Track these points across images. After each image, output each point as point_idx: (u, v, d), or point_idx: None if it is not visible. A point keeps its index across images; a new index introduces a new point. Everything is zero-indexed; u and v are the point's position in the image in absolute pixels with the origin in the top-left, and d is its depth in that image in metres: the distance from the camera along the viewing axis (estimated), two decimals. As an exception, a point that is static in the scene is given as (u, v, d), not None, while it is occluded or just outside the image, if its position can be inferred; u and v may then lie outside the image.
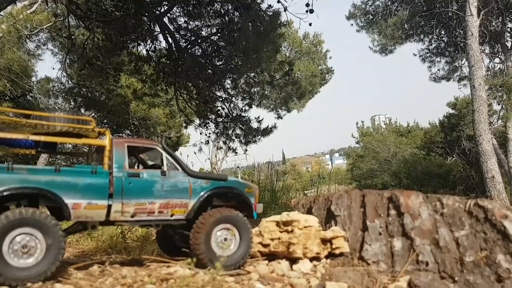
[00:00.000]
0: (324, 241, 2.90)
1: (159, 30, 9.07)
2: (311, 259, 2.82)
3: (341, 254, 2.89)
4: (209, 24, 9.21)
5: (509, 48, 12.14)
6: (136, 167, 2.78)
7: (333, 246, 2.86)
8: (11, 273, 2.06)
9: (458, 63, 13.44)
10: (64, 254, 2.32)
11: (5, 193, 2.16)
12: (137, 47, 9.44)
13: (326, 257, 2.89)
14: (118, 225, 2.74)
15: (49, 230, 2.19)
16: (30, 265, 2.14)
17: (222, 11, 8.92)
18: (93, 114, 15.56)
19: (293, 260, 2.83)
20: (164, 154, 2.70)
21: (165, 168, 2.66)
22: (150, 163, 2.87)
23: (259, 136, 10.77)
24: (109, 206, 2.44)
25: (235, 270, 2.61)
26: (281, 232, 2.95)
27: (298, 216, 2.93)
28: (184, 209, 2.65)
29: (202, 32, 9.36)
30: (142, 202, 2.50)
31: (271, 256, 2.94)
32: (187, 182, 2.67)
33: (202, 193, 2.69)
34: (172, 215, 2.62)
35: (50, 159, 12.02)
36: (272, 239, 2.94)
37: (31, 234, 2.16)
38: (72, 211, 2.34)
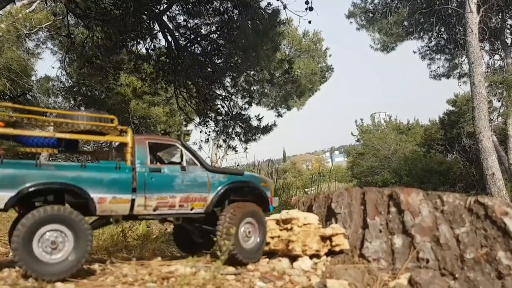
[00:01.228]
0: (324, 238, 2.90)
1: (158, 29, 9.03)
2: (311, 257, 2.82)
3: (341, 252, 2.89)
4: (209, 22, 9.18)
5: (509, 45, 12.09)
6: (155, 163, 2.82)
7: (333, 244, 2.86)
8: (42, 268, 2.14)
9: (458, 60, 13.40)
10: (91, 248, 2.38)
11: (34, 188, 2.23)
12: (136, 46, 9.41)
13: (326, 254, 2.89)
14: (141, 219, 2.78)
15: (76, 226, 2.27)
16: (60, 260, 2.21)
17: (222, 9, 8.88)
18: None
19: (293, 258, 2.83)
20: (183, 150, 2.79)
21: (184, 163, 2.74)
22: (168, 159, 2.96)
23: (259, 134, 10.77)
24: (133, 200, 2.51)
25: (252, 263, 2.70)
26: (280, 230, 2.95)
27: (298, 214, 2.93)
28: (203, 203, 2.73)
29: (202, 30, 9.33)
30: (163, 196, 2.58)
31: (271, 254, 2.94)
32: (206, 176, 2.76)
33: (220, 188, 2.77)
34: (192, 209, 2.71)
35: (50, 158, 12.00)
36: (272, 237, 2.95)
37: (59, 230, 2.23)
38: (98, 206, 2.41)
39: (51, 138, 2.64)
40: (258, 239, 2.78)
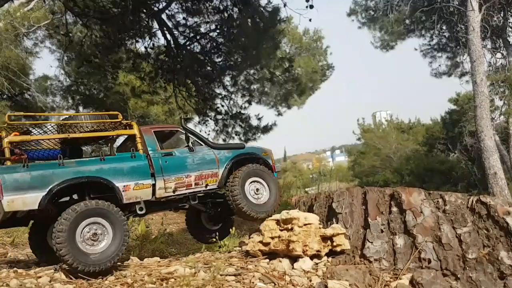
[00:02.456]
0: (325, 238, 2.87)
1: (157, 27, 8.99)
2: (312, 257, 2.80)
3: (342, 252, 2.86)
4: (208, 20, 9.13)
5: (511, 43, 12.01)
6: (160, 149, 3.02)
7: (334, 244, 2.83)
8: (87, 259, 2.33)
9: (460, 59, 13.33)
10: (129, 237, 2.55)
11: (64, 185, 2.43)
12: (135, 44, 9.37)
13: (327, 255, 2.86)
14: (163, 206, 2.97)
15: (113, 218, 2.46)
16: (102, 250, 2.41)
17: (221, 7, 8.83)
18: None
19: (294, 259, 2.80)
20: (187, 134, 3.05)
21: (190, 145, 2.99)
22: (174, 144, 3.21)
23: (259, 134, 10.74)
24: (153, 186, 2.72)
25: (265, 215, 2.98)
26: (281, 230, 2.93)
27: (298, 214, 2.91)
28: (215, 178, 3.01)
29: (201, 29, 9.28)
30: (180, 177, 2.83)
31: (272, 255, 2.92)
32: (213, 153, 3.05)
33: (227, 162, 3.05)
34: (206, 186, 2.97)
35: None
36: (272, 238, 2.92)
37: (98, 223, 2.42)
38: (123, 193, 2.61)
39: (55, 150, 2.82)
40: (269, 195, 3.07)
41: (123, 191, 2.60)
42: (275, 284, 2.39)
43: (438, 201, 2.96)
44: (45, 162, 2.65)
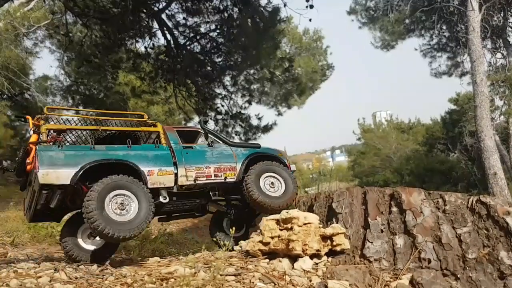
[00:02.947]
0: (325, 238, 2.87)
1: (157, 27, 8.99)
2: (312, 256, 2.80)
3: (342, 251, 2.86)
4: (208, 20, 9.13)
5: (511, 43, 12.00)
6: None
7: (334, 243, 2.83)
8: (117, 227, 2.53)
9: (460, 59, 13.32)
10: (154, 208, 2.72)
11: (94, 164, 2.68)
12: (135, 44, 9.37)
13: (327, 254, 2.86)
14: (187, 193, 3.16)
15: (137, 190, 2.67)
16: (130, 219, 2.61)
17: (221, 7, 8.83)
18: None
19: (294, 258, 2.80)
20: (206, 133, 3.31)
21: (208, 140, 3.27)
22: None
23: (259, 133, 10.74)
24: (176, 174, 2.97)
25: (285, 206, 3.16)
26: (281, 230, 2.93)
27: (298, 213, 2.91)
28: (233, 172, 3.22)
29: (201, 29, 9.28)
30: (200, 167, 3.08)
31: (272, 255, 2.92)
32: (230, 150, 3.32)
33: (244, 158, 3.29)
34: (225, 178, 3.18)
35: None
36: (272, 237, 2.92)
37: (124, 195, 2.64)
38: (148, 178, 2.83)
39: None
40: (285, 188, 3.25)
41: (148, 175, 2.83)
42: (275, 284, 2.39)
43: (438, 201, 2.96)
44: (78, 146, 2.91)
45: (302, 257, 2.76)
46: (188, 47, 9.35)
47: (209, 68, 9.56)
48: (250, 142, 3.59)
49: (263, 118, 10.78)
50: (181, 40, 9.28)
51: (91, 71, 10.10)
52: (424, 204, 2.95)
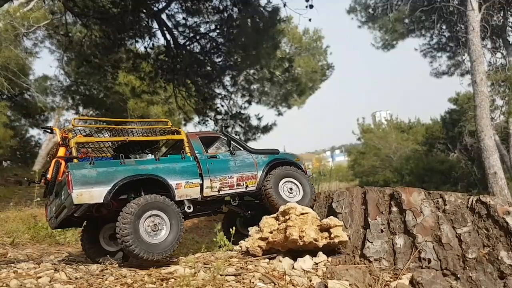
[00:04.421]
0: (322, 230, 2.87)
1: (157, 27, 8.99)
2: (309, 250, 2.78)
3: (340, 243, 2.85)
4: (208, 20, 9.13)
5: (510, 43, 12.00)
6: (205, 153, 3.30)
7: (332, 235, 2.83)
8: (150, 248, 2.55)
9: (460, 58, 13.32)
10: (183, 228, 2.75)
11: (126, 181, 2.67)
12: (135, 44, 9.37)
13: (327, 254, 2.86)
14: (210, 208, 3.24)
15: (170, 210, 2.69)
16: (161, 240, 2.63)
17: (221, 7, 8.84)
18: (91, 112, 15.48)
19: (294, 257, 2.80)
20: (228, 140, 3.32)
21: (231, 150, 3.27)
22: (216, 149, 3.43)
23: (259, 133, 10.74)
24: (201, 185, 3.00)
25: None
26: (279, 224, 2.94)
27: (295, 204, 2.95)
28: (254, 180, 3.27)
29: (201, 29, 9.28)
30: (224, 177, 3.11)
31: (272, 254, 2.92)
32: (251, 158, 3.34)
33: (264, 166, 3.33)
34: (246, 187, 3.23)
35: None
36: (271, 232, 2.94)
37: (157, 215, 2.65)
38: (176, 191, 2.86)
39: (108, 157, 3.08)
40: (303, 193, 3.31)
41: (175, 188, 2.85)
42: (275, 284, 2.39)
43: (438, 201, 2.96)
44: (109, 161, 2.89)
45: (299, 244, 2.74)
46: (188, 47, 9.35)
47: (209, 68, 9.56)
48: (269, 148, 3.52)
49: (263, 118, 10.78)
50: (181, 40, 9.28)
51: (91, 71, 10.10)
52: (424, 204, 2.95)
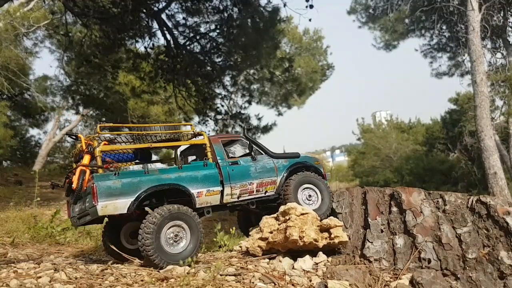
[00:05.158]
0: (322, 230, 2.87)
1: (157, 27, 9.00)
2: (310, 250, 2.78)
3: (340, 244, 2.85)
4: (208, 20, 9.13)
5: (511, 43, 12.00)
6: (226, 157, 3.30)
7: (332, 236, 2.83)
8: (170, 258, 2.58)
9: (460, 58, 13.32)
10: (203, 238, 2.79)
11: (150, 191, 2.71)
12: (135, 44, 9.38)
13: (327, 254, 2.86)
14: (228, 208, 3.18)
15: (190, 220, 2.71)
16: (182, 250, 2.66)
17: (221, 7, 8.84)
18: (91, 112, 15.49)
19: (294, 257, 2.80)
20: (249, 143, 3.30)
21: (253, 154, 3.25)
22: (237, 152, 3.43)
23: (259, 134, 10.75)
24: (221, 191, 3.00)
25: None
26: (279, 224, 2.94)
27: (295, 205, 2.94)
28: (274, 186, 3.25)
29: (201, 29, 9.29)
30: (244, 184, 3.11)
31: (272, 254, 2.92)
32: (272, 163, 3.30)
33: (284, 170, 3.30)
34: (265, 192, 3.22)
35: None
36: (271, 232, 2.94)
37: (178, 225, 2.68)
38: (197, 199, 2.88)
39: (129, 154, 3.10)
40: (321, 200, 3.27)
41: (197, 197, 2.87)
42: (275, 284, 2.39)
43: (438, 201, 2.96)
44: (133, 170, 2.94)
45: (299, 244, 2.75)
46: (188, 47, 9.36)
47: (209, 68, 9.56)
48: (291, 152, 3.49)
49: (263, 118, 10.79)
50: (181, 40, 9.29)
51: (91, 71, 10.10)
52: (424, 204, 2.95)
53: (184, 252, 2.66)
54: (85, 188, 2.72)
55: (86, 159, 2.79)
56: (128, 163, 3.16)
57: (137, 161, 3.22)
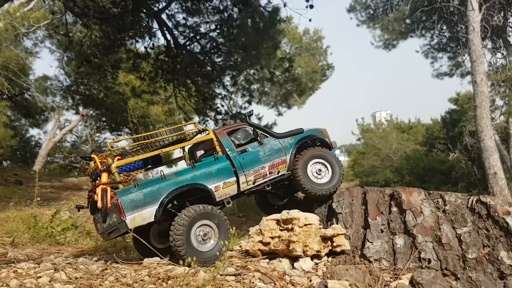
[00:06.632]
0: (325, 239, 2.87)
1: (157, 27, 9.00)
2: (312, 257, 2.80)
3: (342, 252, 2.86)
4: (208, 20, 9.13)
5: (511, 43, 12.00)
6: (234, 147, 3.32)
7: (334, 244, 2.84)
8: (200, 256, 2.67)
9: (460, 59, 13.32)
10: (231, 235, 2.83)
11: (171, 196, 2.81)
12: (135, 44, 9.38)
13: (327, 255, 2.86)
14: (246, 194, 3.27)
15: (218, 219, 2.81)
16: (209, 249, 2.76)
17: (221, 7, 8.84)
18: (91, 111, 15.49)
19: (294, 258, 2.80)
20: (253, 129, 3.35)
21: (259, 138, 3.32)
22: (243, 139, 3.46)
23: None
24: (237, 181, 3.10)
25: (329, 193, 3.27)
26: (281, 230, 2.93)
27: (298, 214, 2.91)
28: (284, 165, 3.34)
29: (201, 29, 9.29)
30: (256, 169, 3.20)
31: (272, 255, 2.92)
32: (278, 143, 3.38)
33: (292, 148, 3.37)
34: (278, 172, 3.32)
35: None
36: (272, 238, 2.93)
37: (206, 224, 2.78)
38: (215, 193, 2.99)
39: (139, 162, 3.18)
40: (331, 175, 3.33)
41: (215, 191, 2.97)
42: (275, 284, 2.39)
43: (438, 201, 2.96)
44: (151, 179, 3.00)
45: (302, 257, 2.76)
46: (188, 47, 9.36)
47: (209, 68, 9.57)
48: (293, 129, 3.56)
49: (263, 118, 10.78)
50: (181, 40, 9.29)
51: (91, 71, 10.10)
52: (424, 204, 2.95)
53: (214, 248, 2.76)
54: (110, 205, 2.83)
55: (104, 177, 2.89)
56: (140, 170, 3.25)
57: (149, 166, 3.33)
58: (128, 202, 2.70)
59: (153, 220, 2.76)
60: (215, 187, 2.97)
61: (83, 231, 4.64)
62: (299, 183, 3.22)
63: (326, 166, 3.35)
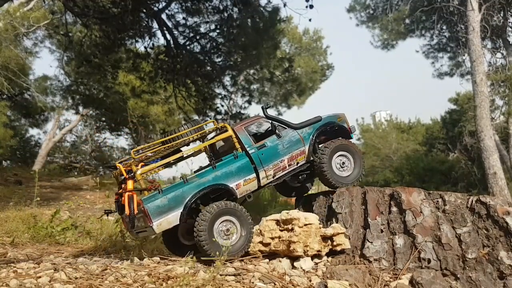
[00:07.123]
0: (325, 238, 2.87)
1: (157, 27, 9.01)
2: (312, 257, 2.80)
3: (342, 251, 2.86)
4: (208, 20, 9.14)
5: (511, 43, 12.00)
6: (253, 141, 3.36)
7: (334, 243, 2.84)
8: (220, 250, 2.67)
9: (461, 59, 13.32)
10: (253, 230, 2.90)
11: (195, 198, 2.89)
12: (135, 44, 9.39)
13: (327, 254, 2.87)
14: (266, 187, 3.34)
15: (239, 214, 2.88)
16: (234, 243, 2.82)
17: (221, 7, 8.84)
18: (91, 111, 15.50)
19: (294, 258, 2.81)
20: (271, 122, 3.35)
21: (277, 131, 3.31)
22: (261, 132, 3.43)
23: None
24: (257, 176, 3.15)
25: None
26: (281, 230, 2.93)
27: (298, 214, 2.91)
28: (303, 156, 3.36)
29: (201, 29, 9.29)
30: (276, 163, 3.23)
31: (272, 255, 2.92)
32: (297, 134, 3.38)
33: (310, 138, 3.39)
34: (297, 163, 3.34)
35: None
36: (272, 238, 2.93)
37: (228, 220, 2.86)
38: (237, 191, 3.05)
39: (156, 160, 3.20)
40: (353, 167, 3.38)
41: (236, 189, 3.04)
42: (275, 284, 2.39)
43: (437, 201, 2.96)
44: (174, 184, 3.08)
45: (303, 257, 2.76)
46: (188, 47, 9.36)
47: (209, 68, 9.57)
48: (311, 118, 3.55)
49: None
50: (181, 40, 9.29)
51: (91, 71, 10.10)
52: (424, 204, 2.95)
53: (237, 243, 2.84)
54: (136, 212, 2.90)
55: (130, 184, 2.94)
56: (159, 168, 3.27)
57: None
58: (154, 209, 2.79)
59: (178, 222, 2.84)
60: (236, 185, 3.02)
61: (83, 231, 4.65)
62: (326, 177, 3.25)
63: (349, 159, 3.37)
